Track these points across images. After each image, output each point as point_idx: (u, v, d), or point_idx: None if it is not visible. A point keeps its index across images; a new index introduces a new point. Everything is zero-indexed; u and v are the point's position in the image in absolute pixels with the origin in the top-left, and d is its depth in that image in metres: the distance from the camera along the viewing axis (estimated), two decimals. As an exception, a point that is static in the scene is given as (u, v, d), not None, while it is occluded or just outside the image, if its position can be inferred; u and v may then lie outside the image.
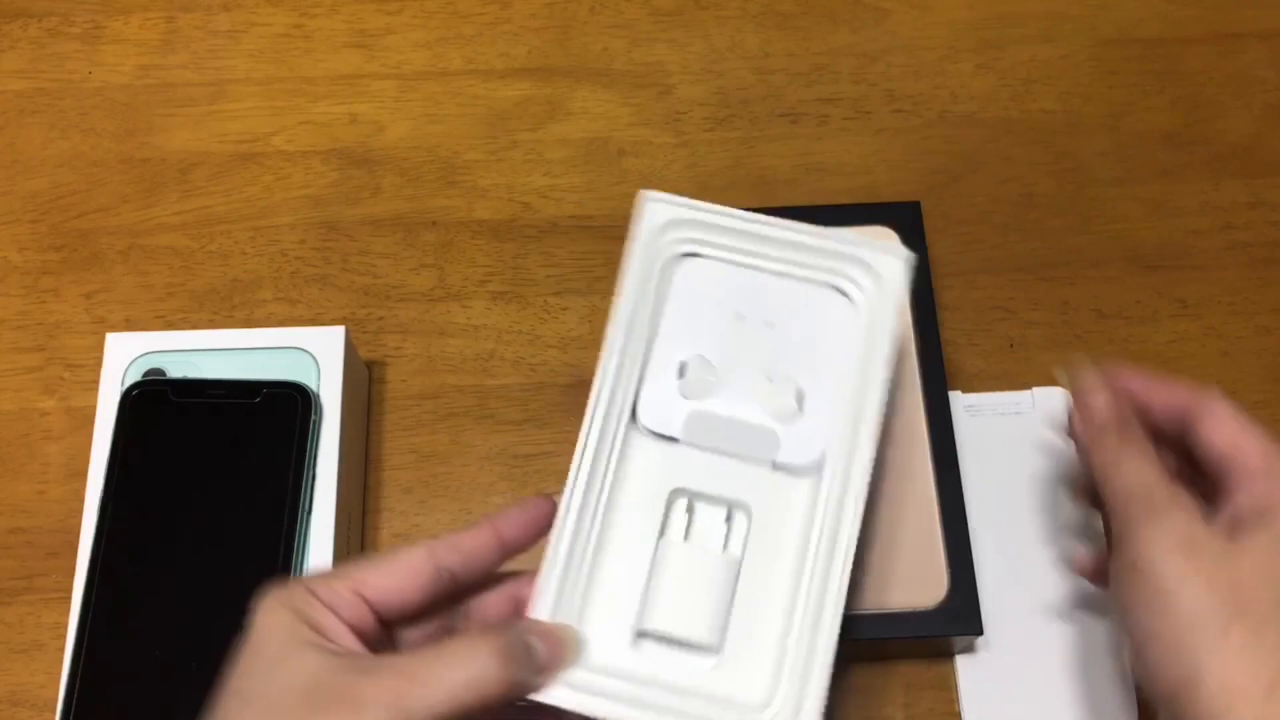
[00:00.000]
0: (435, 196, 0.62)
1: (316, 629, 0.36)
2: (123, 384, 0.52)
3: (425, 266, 0.61)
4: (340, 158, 0.63)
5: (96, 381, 0.52)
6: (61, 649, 0.47)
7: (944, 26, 0.67)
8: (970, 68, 0.66)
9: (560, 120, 0.64)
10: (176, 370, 0.52)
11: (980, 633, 0.48)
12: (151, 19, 0.67)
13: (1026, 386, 0.57)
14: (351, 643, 0.36)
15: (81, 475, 0.50)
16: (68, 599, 0.48)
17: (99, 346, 0.53)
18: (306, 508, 0.50)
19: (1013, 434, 0.55)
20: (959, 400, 0.56)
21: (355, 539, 0.54)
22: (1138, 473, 0.40)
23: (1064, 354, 0.59)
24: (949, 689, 0.52)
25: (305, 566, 0.49)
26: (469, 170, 0.63)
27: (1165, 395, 0.42)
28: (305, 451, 0.50)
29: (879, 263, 0.43)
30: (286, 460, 0.50)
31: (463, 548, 0.38)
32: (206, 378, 0.52)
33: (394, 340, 0.59)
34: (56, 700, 0.47)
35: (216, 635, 0.47)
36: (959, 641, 0.51)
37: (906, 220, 0.54)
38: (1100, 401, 0.42)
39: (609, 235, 0.61)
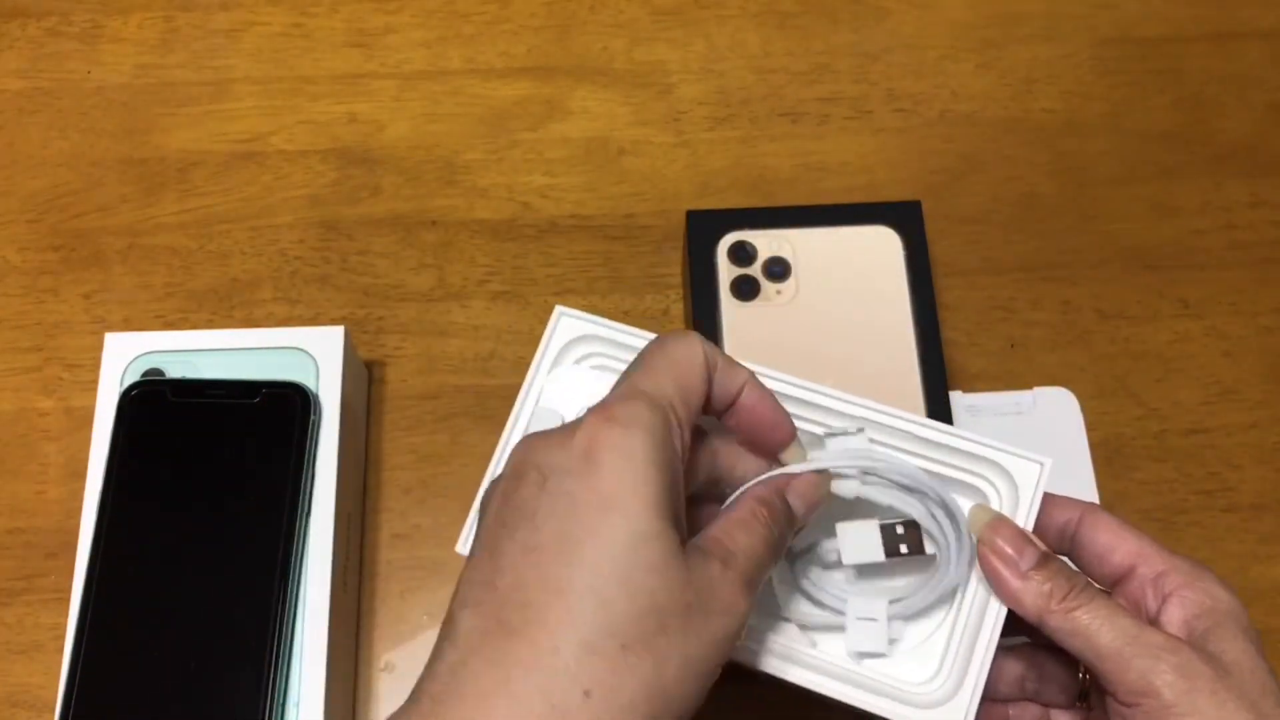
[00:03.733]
0: (435, 196, 0.62)
1: (673, 494, 0.32)
2: (122, 384, 0.52)
3: (425, 266, 0.61)
4: (340, 157, 0.63)
5: (95, 381, 0.52)
6: (61, 649, 0.47)
7: (945, 26, 0.66)
8: (971, 67, 0.65)
9: (560, 120, 0.64)
10: (176, 370, 0.52)
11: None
12: (150, 18, 0.66)
13: (1027, 386, 0.57)
14: (684, 517, 0.34)
15: (80, 475, 0.50)
16: (67, 599, 0.48)
17: (98, 346, 0.53)
18: (306, 508, 0.50)
19: (1014, 434, 0.55)
20: (960, 400, 0.56)
21: (355, 539, 0.54)
22: (1096, 618, 0.36)
23: (1065, 354, 0.59)
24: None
25: (305, 566, 0.49)
26: (469, 170, 0.63)
27: (1057, 514, 0.40)
28: (305, 451, 0.50)
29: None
30: (286, 460, 0.50)
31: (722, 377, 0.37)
32: (206, 378, 0.52)
33: (394, 340, 0.59)
34: (56, 701, 0.46)
35: (215, 635, 0.47)
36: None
37: (907, 220, 0.54)
38: (1019, 548, 0.38)
39: (609, 235, 0.61)
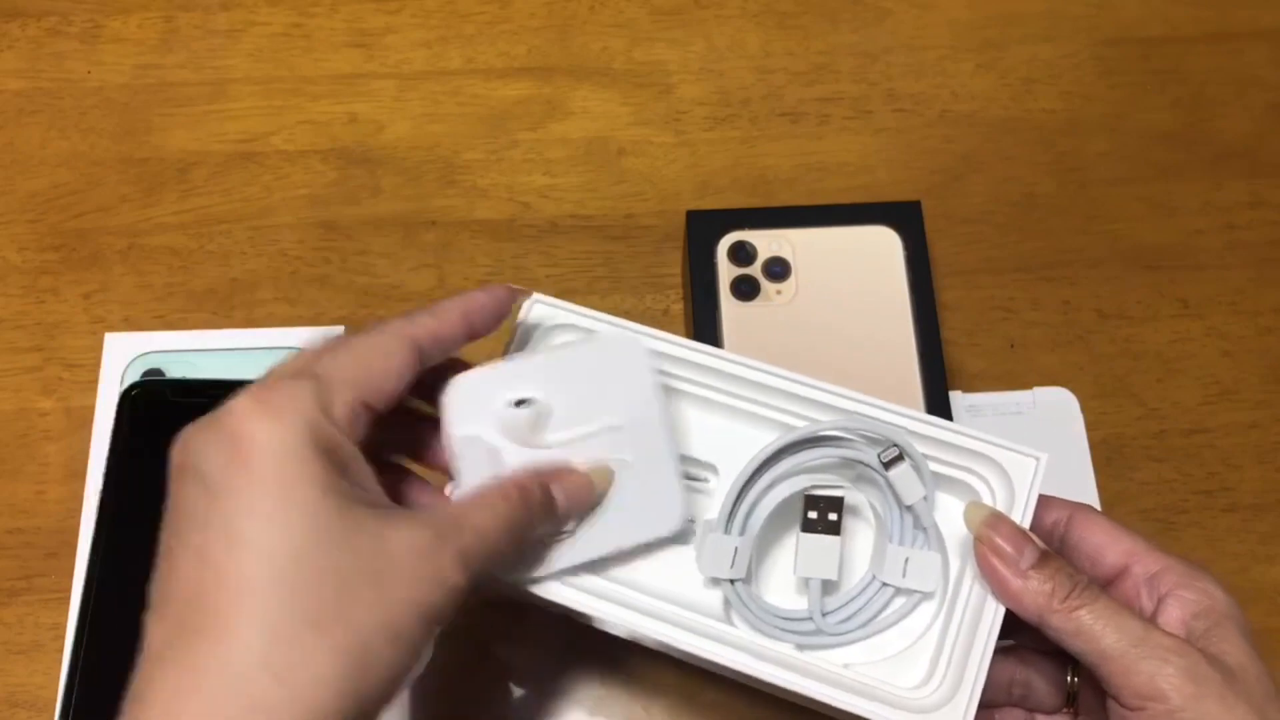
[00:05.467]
0: (435, 196, 0.62)
1: (345, 473, 0.32)
2: (122, 384, 0.52)
3: (425, 266, 0.61)
4: (340, 157, 0.63)
5: (95, 381, 0.52)
6: (61, 649, 0.47)
7: (944, 26, 0.66)
8: (971, 67, 0.65)
9: (560, 120, 0.64)
10: (175, 370, 0.52)
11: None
12: (150, 18, 0.66)
13: (1027, 386, 0.57)
14: (376, 489, 0.33)
15: (80, 475, 0.50)
16: (67, 599, 0.48)
17: (98, 346, 0.53)
18: (306, 508, 0.50)
19: (1013, 434, 0.55)
20: (960, 400, 0.56)
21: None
22: (1098, 619, 0.35)
23: (1065, 354, 0.59)
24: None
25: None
26: (469, 170, 0.63)
27: (1048, 514, 0.40)
28: (305, 452, 0.50)
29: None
30: (286, 460, 0.50)
31: (440, 336, 0.37)
32: (205, 378, 0.52)
33: (394, 340, 0.59)
34: (55, 701, 0.46)
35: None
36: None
37: (907, 220, 0.54)
38: (1038, 564, 0.37)
39: (609, 235, 0.61)
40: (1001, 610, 0.38)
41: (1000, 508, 0.39)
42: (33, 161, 0.63)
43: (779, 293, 0.53)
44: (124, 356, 0.52)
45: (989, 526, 0.37)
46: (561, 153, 0.63)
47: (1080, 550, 0.39)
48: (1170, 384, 0.58)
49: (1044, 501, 0.40)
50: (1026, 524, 0.38)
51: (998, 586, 0.37)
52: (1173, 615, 0.36)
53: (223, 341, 0.53)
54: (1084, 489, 0.55)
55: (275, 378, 0.34)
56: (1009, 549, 0.37)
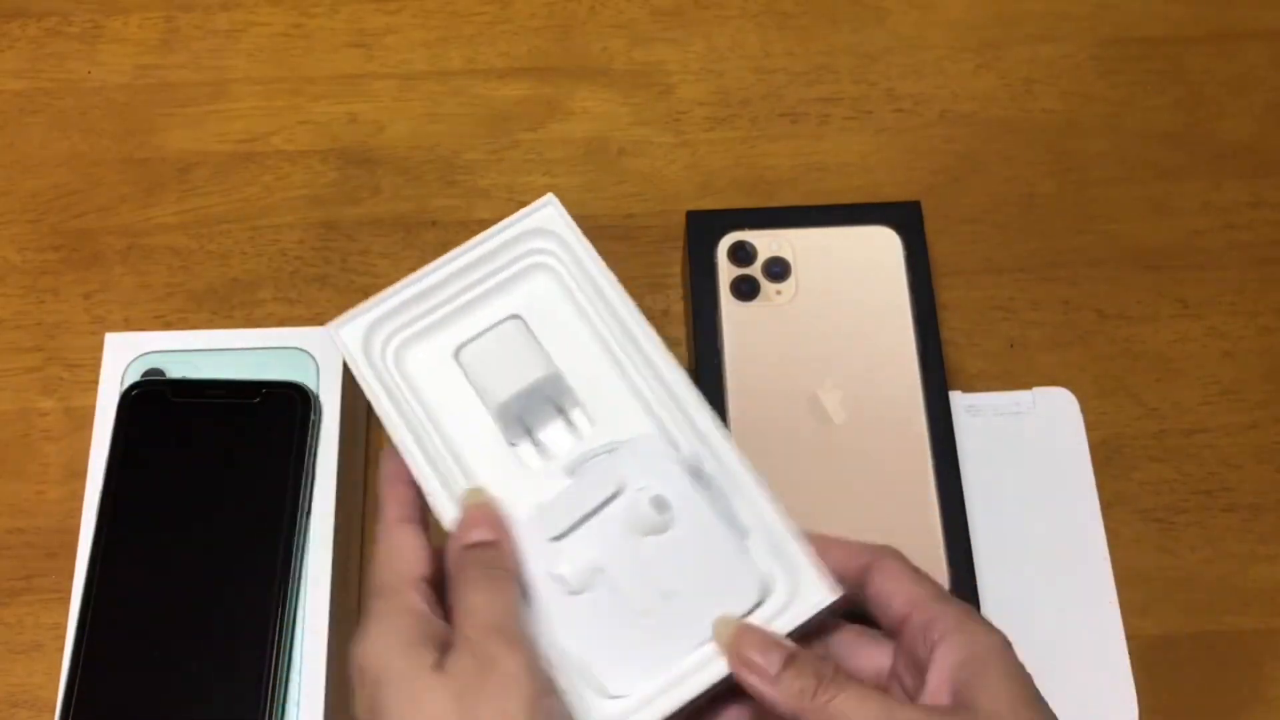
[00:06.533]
0: (435, 196, 0.62)
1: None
2: (122, 384, 0.52)
3: (425, 266, 0.61)
4: (340, 157, 0.63)
5: (96, 381, 0.52)
6: (61, 649, 0.47)
7: (944, 26, 0.66)
8: (970, 67, 0.65)
9: (560, 120, 0.64)
10: (176, 370, 0.52)
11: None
12: (151, 19, 0.66)
13: (1027, 386, 0.57)
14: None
15: (81, 475, 0.50)
16: (67, 599, 0.48)
17: (98, 346, 0.53)
18: (307, 507, 0.50)
19: (1013, 434, 0.55)
20: (959, 400, 0.56)
21: (356, 538, 0.54)
22: (873, 711, 0.36)
23: (1065, 354, 0.59)
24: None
25: (305, 566, 0.49)
26: (469, 170, 0.63)
27: (853, 559, 0.40)
28: (305, 451, 0.50)
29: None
30: (286, 460, 0.50)
31: (410, 500, 0.41)
32: (206, 378, 0.52)
33: (394, 340, 0.59)
34: (56, 700, 0.46)
35: (215, 635, 0.47)
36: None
37: (907, 220, 0.54)
38: (764, 650, 0.38)
39: (609, 235, 0.61)
40: (720, 676, 0.38)
41: (777, 604, 0.40)
42: (33, 162, 0.63)
43: (779, 293, 0.53)
44: (124, 356, 0.52)
45: (737, 641, 0.38)
46: (562, 153, 0.63)
47: (876, 599, 0.39)
48: (1170, 384, 0.58)
49: (848, 547, 0.40)
50: (789, 628, 0.39)
51: (756, 695, 0.37)
52: (942, 663, 0.37)
53: (223, 341, 0.53)
54: (1084, 489, 0.55)
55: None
56: (758, 659, 0.37)
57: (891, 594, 0.39)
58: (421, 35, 0.66)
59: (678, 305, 0.60)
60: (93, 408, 0.51)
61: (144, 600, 0.48)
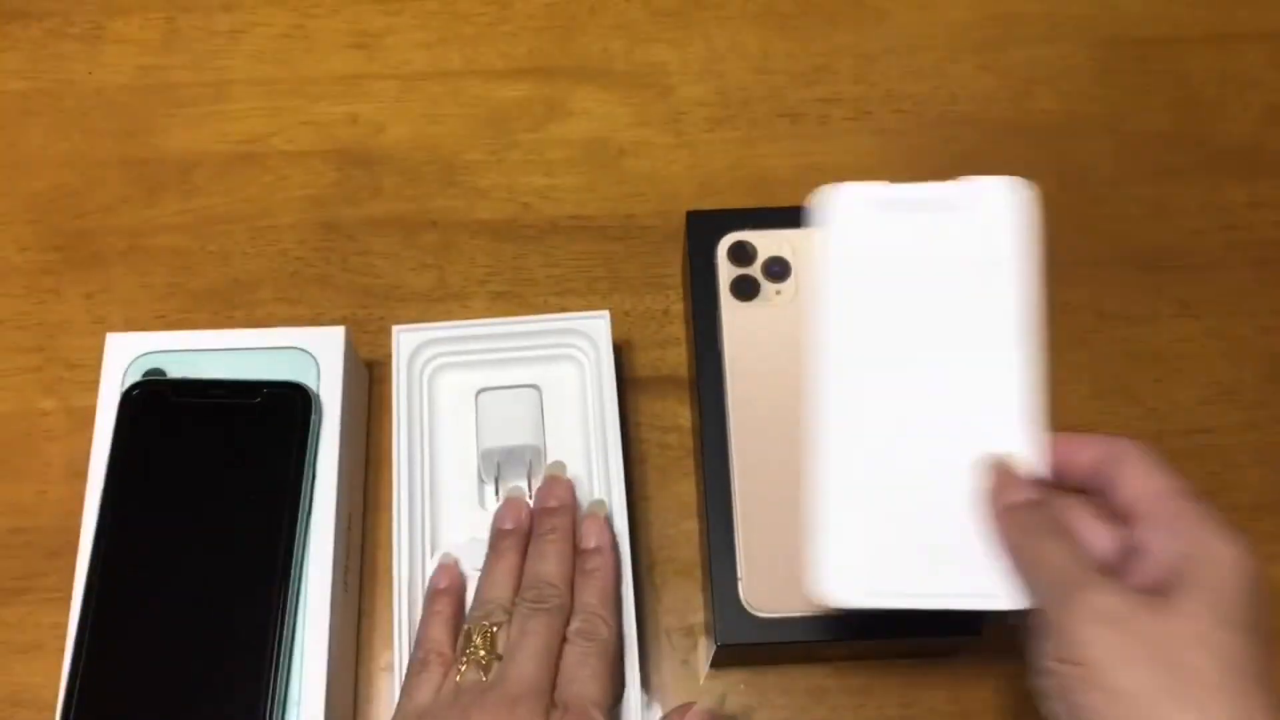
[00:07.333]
0: (435, 197, 0.62)
1: None
2: (123, 384, 0.52)
3: (425, 266, 0.61)
4: (340, 158, 0.63)
5: (96, 381, 0.52)
6: (61, 649, 0.47)
7: (944, 27, 0.67)
8: (970, 68, 0.66)
9: (560, 120, 0.64)
10: (177, 370, 0.52)
11: (979, 633, 0.48)
12: (151, 19, 0.67)
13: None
14: None
15: (82, 475, 0.50)
16: (68, 599, 0.48)
17: (99, 346, 0.53)
18: (307, 508, 0.50)
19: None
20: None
21: (356, 539, 0.54)
22: (1054, 554, 0.37)
23: (1065, 354, 0.59)
24: (949, 689, 0.52)
25: (305, 566, 0.49)
26: (469, 170, 0.63)
27: (1085, 452, 0.40)
28: (306, 451, 0.50)
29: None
30: (286, 460, 0.50)
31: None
32: (207, 378, 0.52)
33: (394, 340, 0.59)
34: (56, 700, 0.46)
35: (216, 635, 0.47)
36: (958, 641, 0.51)
37: (907, 220, 0.54)
38: (1008, 483, 0.40)
39: (609, 235, 0.62)
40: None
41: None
42: (34, 162, 0.63)
43: (779, 293, 0.53)
44: (125, 356, 0.52)
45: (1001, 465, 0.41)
46: (562, 153, 0.64)
47: (1116, 486, 0.39)
48: (1170, 384, 0.59)
49: (1088, 441, 0.41)
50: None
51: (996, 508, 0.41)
52: (1167, 562, 0.37)
53: (224, 341, 0.53)
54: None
55: None
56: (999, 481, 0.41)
57: (1133, 483, 0.39)
58: (422, 36, 0.66)
59: (678, 305, 0.60)
60: (94, 408, 0.51)
61: (145, 600, 0.48)
